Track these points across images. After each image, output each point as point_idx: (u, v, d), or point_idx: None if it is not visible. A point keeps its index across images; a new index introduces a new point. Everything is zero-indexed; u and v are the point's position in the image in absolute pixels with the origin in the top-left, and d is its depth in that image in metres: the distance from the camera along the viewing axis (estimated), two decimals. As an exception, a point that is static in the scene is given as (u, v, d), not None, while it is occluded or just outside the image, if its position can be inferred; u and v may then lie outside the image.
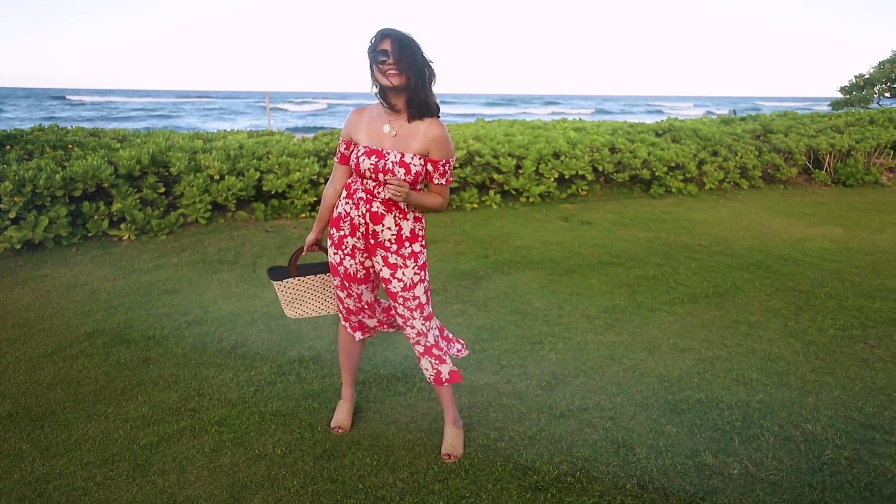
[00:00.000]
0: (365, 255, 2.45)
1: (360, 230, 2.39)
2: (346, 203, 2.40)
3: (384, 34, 2.22)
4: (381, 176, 2.29)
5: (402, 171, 2.27)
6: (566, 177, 7.88)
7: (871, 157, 9.94)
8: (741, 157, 9.04)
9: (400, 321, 2.50)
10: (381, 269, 2.44)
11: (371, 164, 2.29)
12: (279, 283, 2.67)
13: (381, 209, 2.35)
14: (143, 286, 4.61)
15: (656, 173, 8.29)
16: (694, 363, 3.37)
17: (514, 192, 7.63)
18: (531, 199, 7.59)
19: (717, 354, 3.48)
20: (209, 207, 6.15)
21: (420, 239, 2.44)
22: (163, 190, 6.14)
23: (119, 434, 2.70)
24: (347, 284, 2.50)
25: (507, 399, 2.97)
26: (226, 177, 6.27)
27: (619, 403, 2.94)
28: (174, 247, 5.56)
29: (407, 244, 2.40)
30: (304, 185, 6.55)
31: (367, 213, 2.36)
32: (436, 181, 2.36)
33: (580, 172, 7.84)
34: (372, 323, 2.67)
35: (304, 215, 6.60)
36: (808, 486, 2.36)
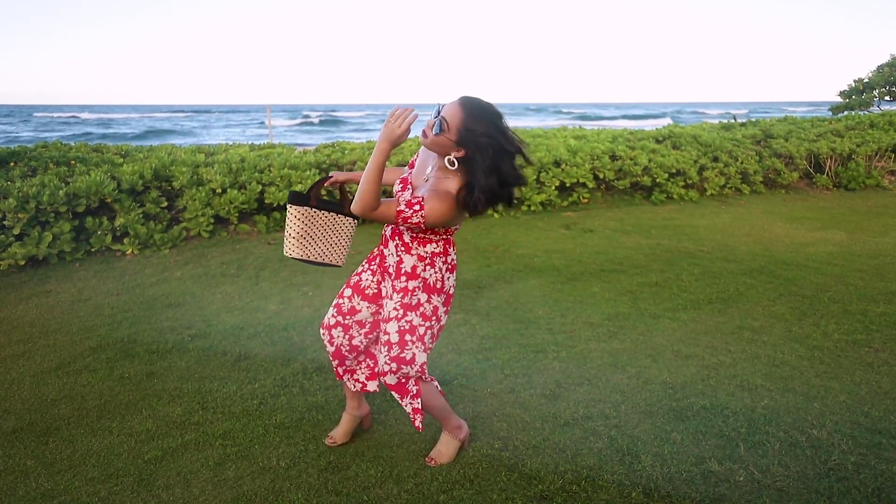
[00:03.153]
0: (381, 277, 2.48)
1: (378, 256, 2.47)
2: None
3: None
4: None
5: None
6: (567, 185, 7.89)
7: (873, 161, 9.95)
8: (742, 163, 9.05)
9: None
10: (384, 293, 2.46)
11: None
12: (300, 208, 2.48)
13: (388, 231, 2.40)
14: (146, 300, 4.63)
15: (657, 180, 8.30)
16: (698, 370, 3.36)
17: (515, 201, 7.64)
18: (532, 208, 7.61)
19: (722, 360, 3.47)
20: (212, 221, 6.17)
21: (418, 278, 2.30)
22: (165, 204, 6.16)
23: (123, 449, 2.70)
24: (350, 295, 2.49)
25: (510, 408, 2.97)
26: (228, 190, 6.30)
27: (624, 411, 2.93)
28: (177, 261, 5.58)
29: (403, 278, 2.31)
30: (305, 197, 6.58)
31: (384, 238, 2.45)
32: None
33: (581, 180, 7.86)
34: (354, 336, 2.51)
35: (306, 227, 6.62)
36: (814, 493, 2.34)
